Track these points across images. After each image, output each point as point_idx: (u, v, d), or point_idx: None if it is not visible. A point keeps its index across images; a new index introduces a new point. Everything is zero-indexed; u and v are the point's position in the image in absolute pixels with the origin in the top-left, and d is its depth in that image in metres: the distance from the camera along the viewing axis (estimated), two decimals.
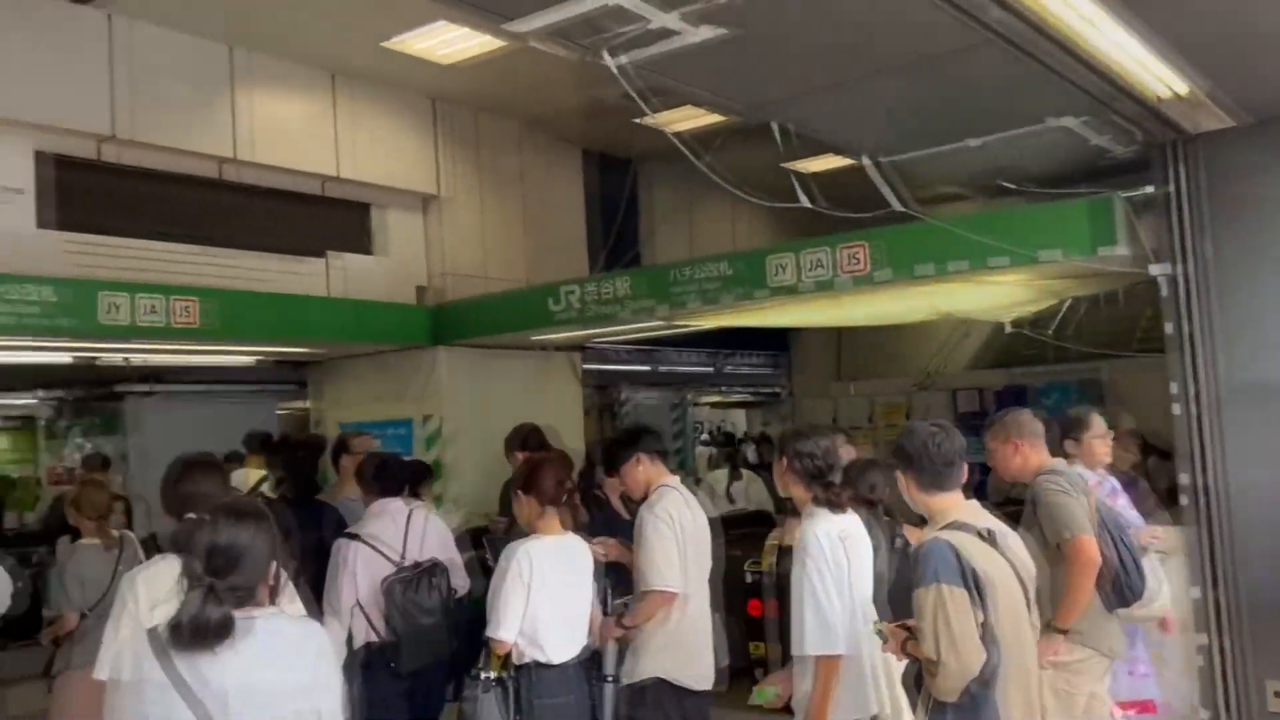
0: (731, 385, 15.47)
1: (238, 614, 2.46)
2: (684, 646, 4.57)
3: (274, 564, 2.56)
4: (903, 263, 6.68)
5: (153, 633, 2.45)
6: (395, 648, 4.81)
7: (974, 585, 2.91)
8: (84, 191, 7.64)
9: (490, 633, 4.09)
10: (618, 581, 4.76)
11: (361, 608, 4.84)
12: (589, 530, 4.71)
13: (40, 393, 12.28)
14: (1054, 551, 4.27)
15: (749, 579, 6.64)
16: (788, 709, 3.97)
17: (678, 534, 4.52)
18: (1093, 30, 4.41)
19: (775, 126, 7.19)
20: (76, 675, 4.80)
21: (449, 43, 8.04)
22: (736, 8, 5.00)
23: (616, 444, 5.13)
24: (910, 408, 13.74)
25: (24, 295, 6.63)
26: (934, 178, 9.08)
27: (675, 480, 4.81)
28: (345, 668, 4.40)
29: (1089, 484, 4.68)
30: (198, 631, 2.39)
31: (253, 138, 8.27)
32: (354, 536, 4.99)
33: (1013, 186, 7.93)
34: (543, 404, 9.47)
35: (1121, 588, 4.37)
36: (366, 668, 4.85)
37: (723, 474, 10.58)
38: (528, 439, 6.40)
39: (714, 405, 17.42)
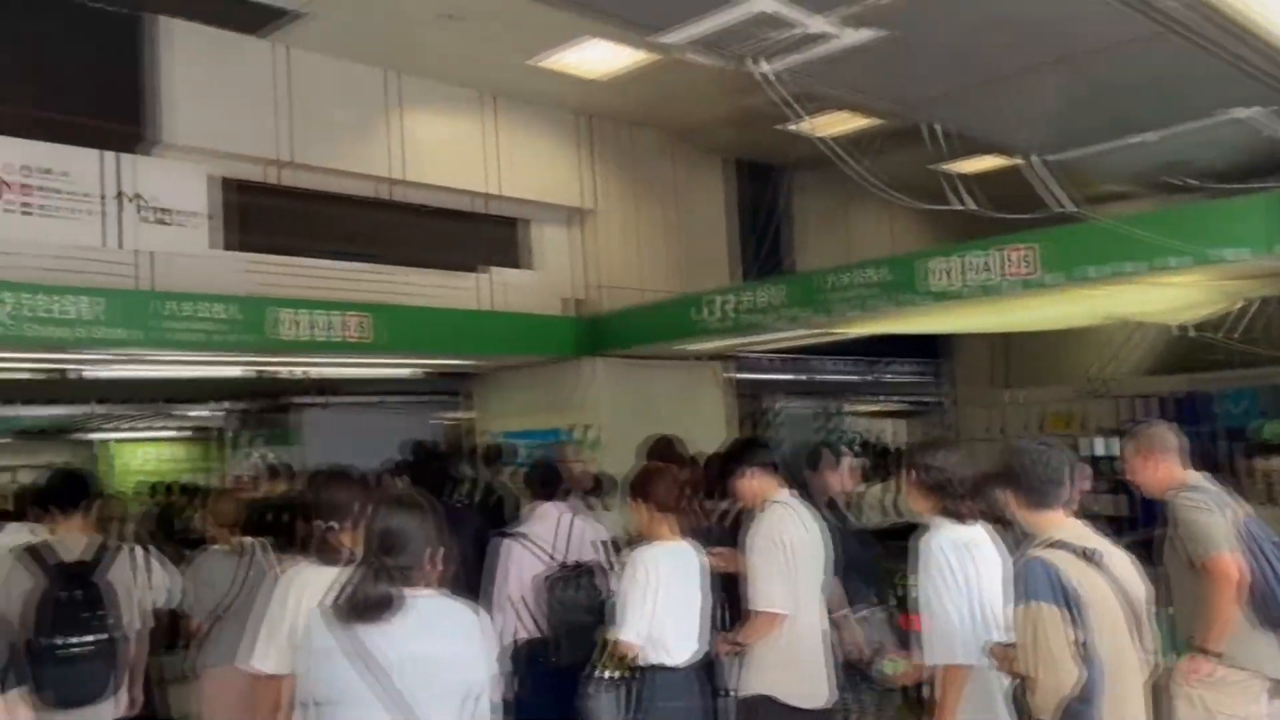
0: (887, 394, 15.12)
1: (402, 592, 2.68)
2: (794, 664, 4.49)
3: (436, 550, 2.77)
4: (1071, 265, 6.42)
5: (331, 607, 2.69)
6: (549, 643, 4.94)
7: (1070, 604, 2.89)
8: (258, 214, 8.09)
9: (616, 635, 4.15)
10: (734, 592, 4.71)
11: (514, 604, 4.98)
12: None
13: (220, 405, 13.00)
14: (1195, 570, 4.06)
15: (901, 592, 6.48)
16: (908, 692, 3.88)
17: (784, 552, 4.45)
18: (1270, 14, 4.16)
19: (930, 127, 7.03)
20: (212, 672, 5.06)
21: (598, 58, 8.19)
22: (889, 8, 4.91)
23: (727, 457, 5.08)
24: (1080, 416, 13.18)
25: (206, 313, 7.06)
26: (1099, 175, 8.71)
27: (787, 494, 4.73)
28: (501, 660, 4.53)
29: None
30: (365, 604, 2.65)
31: (412, 158, 8.60)
32: (514, 535, 5.14)
33: (1185, 183, 7.53)
34: (693, 413, 9.47)
35: (1268, 605, 4.10)
36: (521, 661, 4.97)
37: (883, 487, 10.33)
38: (662, 451, 6.39)
39: (868, 415, 17.06)
